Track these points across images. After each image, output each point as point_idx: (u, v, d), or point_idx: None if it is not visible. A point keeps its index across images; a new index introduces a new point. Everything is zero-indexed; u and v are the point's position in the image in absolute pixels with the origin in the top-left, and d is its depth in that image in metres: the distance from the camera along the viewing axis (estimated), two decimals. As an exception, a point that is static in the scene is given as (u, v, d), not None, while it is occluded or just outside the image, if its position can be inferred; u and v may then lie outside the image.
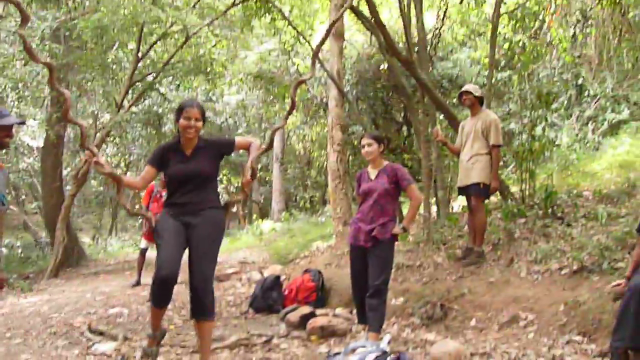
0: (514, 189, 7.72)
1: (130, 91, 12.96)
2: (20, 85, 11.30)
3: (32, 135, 18.14)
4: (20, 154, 17.19)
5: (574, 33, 11.07)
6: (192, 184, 3.88)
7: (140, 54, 12.25)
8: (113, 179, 3.91)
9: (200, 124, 3.91)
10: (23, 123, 3.86)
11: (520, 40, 8.59)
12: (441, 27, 10.93)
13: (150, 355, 4.00)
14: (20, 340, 5.17)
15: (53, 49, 10.69)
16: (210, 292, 3.83)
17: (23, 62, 10.94)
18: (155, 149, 4.35)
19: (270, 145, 3.56)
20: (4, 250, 3.65)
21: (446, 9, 11.92)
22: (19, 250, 15.60)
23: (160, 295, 3.79)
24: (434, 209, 8.70)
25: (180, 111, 3.90)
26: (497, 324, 4.79)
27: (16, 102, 12.43)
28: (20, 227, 18.32)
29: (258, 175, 3.93)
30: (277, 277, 7.02)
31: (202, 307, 3.81)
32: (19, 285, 9.47)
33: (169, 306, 4.15)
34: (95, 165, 3.66)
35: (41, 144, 13.78)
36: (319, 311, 5.94)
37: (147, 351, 4.01)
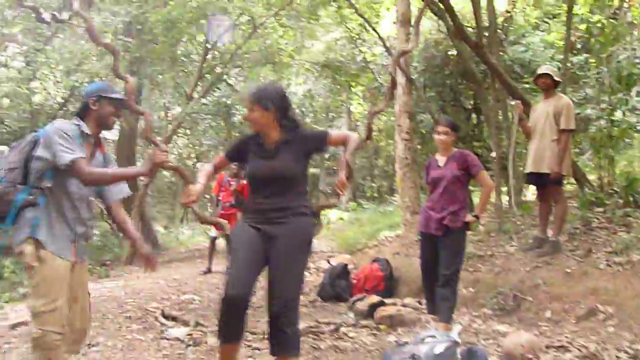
0: (592, 176, 7.39)
1: (199, 83, 13.25)
2: (96, 79, 11.73)
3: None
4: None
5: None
6: (275, 186, 3.19)
7: (208, 46, 12.48)
8: (179, 174, 3.39)
9: (256, 115, 3.20)
10: (121, 104, 3.29)
11: (598, 21, 8.17)
12: (512, 9, 10.56)
13: None
14: (97, 323, 5.36)
15: (126, 43, 11.04)
16: (293, 322, 3.06)
17: (98, 57, 11.36)
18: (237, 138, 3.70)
19: (369, 134, 2.69)
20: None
21: (518, -9, 11.52)
22: (97, 238, 16.27)
23: (229, 322, 3.07)
24: (505, 198, 8.47)
25: None
26: (574, 317, 4.61)
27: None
28: (97, 215, 19.10)
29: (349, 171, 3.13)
30: (345, 266, 7.02)
31: (284, 340, 3.05)
32: (97, 271, 9.88)
33: None
34: (157, 156, 3.06)
35: (115, 137, 14.28)
36: (387, 300, 5.90)
37: None
